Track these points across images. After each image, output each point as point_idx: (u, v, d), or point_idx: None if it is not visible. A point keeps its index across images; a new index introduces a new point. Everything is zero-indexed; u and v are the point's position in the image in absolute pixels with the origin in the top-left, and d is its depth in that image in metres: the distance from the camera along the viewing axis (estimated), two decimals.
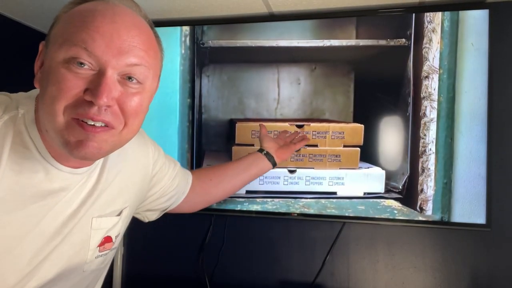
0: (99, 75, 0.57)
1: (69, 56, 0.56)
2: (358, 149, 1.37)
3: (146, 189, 0.90)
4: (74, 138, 0.57)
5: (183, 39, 1.50)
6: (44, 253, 0.66)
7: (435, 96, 1.31)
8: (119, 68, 0.58)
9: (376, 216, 1.35)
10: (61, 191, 0.66)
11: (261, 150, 1.16)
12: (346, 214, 1.38)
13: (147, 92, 0.64)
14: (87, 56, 0.56)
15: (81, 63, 0.56)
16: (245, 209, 1.44)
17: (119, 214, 0.78)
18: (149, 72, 0.62)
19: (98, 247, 0.75)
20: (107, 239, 0.76)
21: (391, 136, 1.36)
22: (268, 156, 1.15)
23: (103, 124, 0.58)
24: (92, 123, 0.57)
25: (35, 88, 0.65)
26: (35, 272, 0.66)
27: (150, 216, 1.00)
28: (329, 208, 1.39)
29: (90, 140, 0.57)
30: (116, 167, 0.77)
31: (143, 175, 0.87)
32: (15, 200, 0.61)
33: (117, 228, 0.78)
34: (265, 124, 1.42)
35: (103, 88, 0.56)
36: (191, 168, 1.50)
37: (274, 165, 1.15)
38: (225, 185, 1.09)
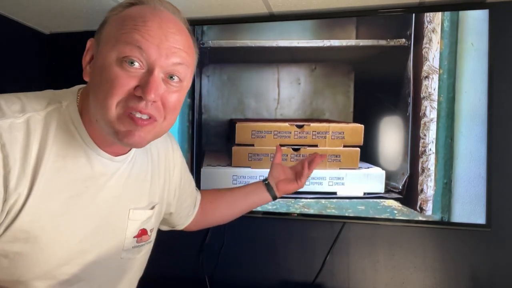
0: (148, 73, 0.65)
1: (123, 55, 0.64)
2: (358, 149, 1.37)
3: (171, 195, 0.95)
4: (124, 128, 0.65)
5: None
6: (90, 236, 0.73)
7: (435, 96, 1.31)
8: (165, 67, 0.66)
9: (376, 216, 1.35)
10: (101, 176, 0.73)
11: (265, 180, 1.11)
12: (346, 214, 1.38)
13: (184, 90, 0.72)
14: (139, 55, 0.64)
15: (132, 62, 0.64)
16: None
17: (152, 208, 0.85)
18: (188, 71, 0.71)
19: (136, 238, 0.82)
20: (143, 232, 0.84)
21: (391, 136, 1.36)
22: (269, 187, 1.09)
23: (147, 117, 0.66)
24: (140, 116, 0.65)
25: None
26: (80, 255, 0.72)
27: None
28: (329, 208, 1.39)
29: (137, 130, 0.66)
30: (145, 165, 0.85)
31: (169, 179, 0.93)
32: (60, 181, 0.68)
33: (151, 222, 0.85)
34: (265, 124, 1.43)
35: (152, 85, 0.64)
36: (191, 168, 1.50)
37: (275, 198, 1.09)
38: (222, 211, 1.10)
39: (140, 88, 0.64)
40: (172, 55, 0.66)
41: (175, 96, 0.69)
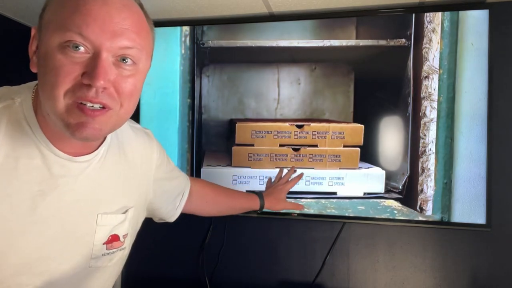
0: (95, 58, 0.58)
1: (64, 41, 0.58)
2: (358, 149, 1.37)
3: (150, 194, 0.90)
4: (75, 120, 0.59)
5: (183, 39, 1.50)
6: (50, 242, 0.67)
7: (435, 96, 1.31)
8: (113, 50, 0.60)
9: (376, 216, 1.35)
10: (60, 177, 0.67)
11: (260, 194, 1.22)
12: (346, 214, 1.38)
13: (140, 73, 0.65)
14: (82, 40, 0.57)
15: (77, 46, 0.58)
16: None
17: (124, 212, 0.79)
18: (142, 54, 0.64)
19: (106, 245, 0.75)
20: (114, 238, 0.77)
21: (391, 136, 1.36)
22: (261, 198, 1.20)
23: (101, 106, 0.60)
24: (91, 105, 0.59)
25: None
26: (39, 263, 0.66)
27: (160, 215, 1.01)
28: (329, 208, 1.39)
29: (90, 122, 0.59)
30: (117, 166, 0.78)
31: (146, 179, 0.87)
32: (12, 184, 0.62)
33: (124, 227, 0.79)
34: (265, 124, 1.43)
35: (99, 70, 0.57)
36: (191, 168, 1.50)
37: (261, 207, 1.20)
38: (219, 208, 1.18)
39: (87, 75, 0.57)
40: (119, 37, 0.59)
41: (130, 81, 0.62)
